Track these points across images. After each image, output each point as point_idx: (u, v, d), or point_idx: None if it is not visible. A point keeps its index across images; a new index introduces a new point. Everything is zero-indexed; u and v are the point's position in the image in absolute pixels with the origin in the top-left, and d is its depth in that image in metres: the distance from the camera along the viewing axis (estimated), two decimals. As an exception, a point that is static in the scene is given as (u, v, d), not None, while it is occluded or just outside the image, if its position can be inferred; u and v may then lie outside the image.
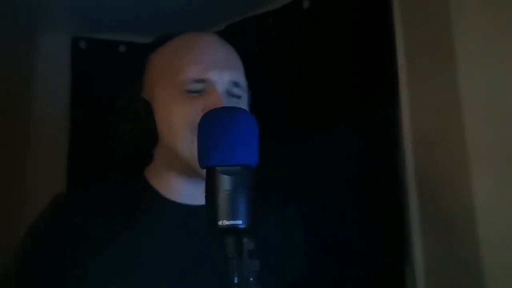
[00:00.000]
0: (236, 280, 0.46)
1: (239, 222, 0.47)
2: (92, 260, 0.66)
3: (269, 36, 1.23)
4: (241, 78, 0.74)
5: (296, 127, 1.13)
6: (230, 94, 0.71)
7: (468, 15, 0.80)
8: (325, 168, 1.06)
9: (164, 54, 0.75)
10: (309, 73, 1.15)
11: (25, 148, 1.27)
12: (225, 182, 0.49)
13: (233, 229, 0.47)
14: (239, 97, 0.72)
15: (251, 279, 0.46)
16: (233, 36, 1.28)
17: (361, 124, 1.01)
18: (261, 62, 1.20)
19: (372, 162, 1.00)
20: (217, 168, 0.49)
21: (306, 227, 0.81)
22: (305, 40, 1.16)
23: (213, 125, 0.53)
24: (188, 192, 0.73)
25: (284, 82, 1.18)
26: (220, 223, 0.47)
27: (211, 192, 0.49)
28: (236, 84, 0.72)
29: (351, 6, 1.08)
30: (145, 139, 0.72)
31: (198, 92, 0.70)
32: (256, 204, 0.50)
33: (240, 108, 0.56)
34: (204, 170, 0.52)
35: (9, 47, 1.24)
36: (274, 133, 0.97)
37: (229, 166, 0.49)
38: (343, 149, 1.03)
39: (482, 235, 0.75)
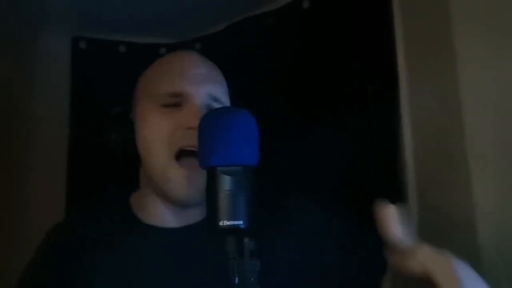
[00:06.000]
0: (236, 281, 0.46)
1: (240, 222, 0.48)
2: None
3: (269, 36, 1.23)
4: (221, 93, 0.73)
5: (296, 127, 1.13)
6: (209, 108, 0.69)
7: (468, 15, 0.80)
8: (325, 168, 1.06)
9: (146, 74, 0.76)
10: (309, 73, 1.15)
11: (25, 148, 1.27)
12: (225, 182, 0.49)
13: (233, 229, 0.48)
14: None
15: (252, 279, 0.46)
16: (233, 36, 1.29)
17: (361, 124, 1.01)
18: (261, 62, 1.20)
19: (372, 163, 1.00)
20: (218, 168, 0.49)
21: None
22: (305, 40, 1.16)
23: (213, 125, 0.53)
24: (168, 216, 0.72)
25: (284, 82, 1.18)
26: (220, 223, 0.48)
27: (211, 192, 0.49)
28: (215, 99, 0.71)
29: (351, 6, 1.08)
30: (133, 160, 0.73)
31: (174, 106, 0.69)
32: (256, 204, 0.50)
33: (240, 108, 0.56)
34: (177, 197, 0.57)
35: (9, 47, 1.24)
36: (274, 132, 0.97)
37: (230, 166, 0.49)
38: (342, 150, 1.03)
39: (482, 236, 0.75)
